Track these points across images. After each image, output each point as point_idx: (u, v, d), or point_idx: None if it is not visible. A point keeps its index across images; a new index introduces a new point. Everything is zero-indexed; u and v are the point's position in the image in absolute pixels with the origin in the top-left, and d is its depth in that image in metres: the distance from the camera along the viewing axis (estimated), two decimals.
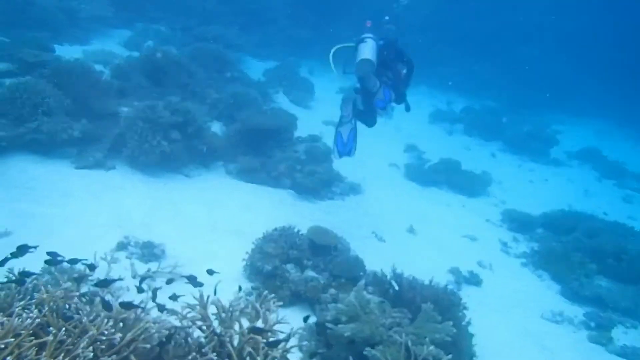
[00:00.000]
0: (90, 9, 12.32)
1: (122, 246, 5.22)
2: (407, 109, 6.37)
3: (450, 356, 3.59)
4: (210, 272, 3.10)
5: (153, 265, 5.04)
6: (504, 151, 13.88)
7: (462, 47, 18.73)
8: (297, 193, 8.16)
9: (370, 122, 6.48)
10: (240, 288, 3.38)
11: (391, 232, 7.67)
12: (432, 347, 3.60)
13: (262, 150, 8.50)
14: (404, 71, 6.20)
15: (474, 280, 6.77)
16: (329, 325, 4.01)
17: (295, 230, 5.82)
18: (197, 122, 7.66)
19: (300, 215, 7.51)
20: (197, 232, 6.09)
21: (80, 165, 6.66)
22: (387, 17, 6.39)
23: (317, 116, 12.29)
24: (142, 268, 4.99)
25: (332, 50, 6.19)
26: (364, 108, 6.35)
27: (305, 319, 3.37)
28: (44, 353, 2.01)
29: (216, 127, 9.39)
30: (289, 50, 17.64)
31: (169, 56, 9.42)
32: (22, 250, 2.69)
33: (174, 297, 2.96)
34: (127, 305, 2.56)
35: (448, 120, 14.96)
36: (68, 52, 10.44)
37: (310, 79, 15.03)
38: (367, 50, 5.71)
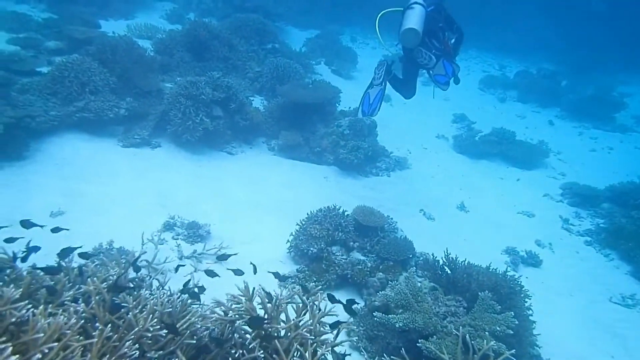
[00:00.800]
0: None
1: (168, 226, 5.23)
2: (457, 81, 5.85)
3: (513, 351, 3.32)
4: (254, 269, 2.95)
5: (199, 247, 5.01)
6: (562, 118, 12.83)
7: (518, 3, 17.24)
8: (340, 169, 7.91)
9: (408, 94, 6.06)
10: (283, 277, 3.22)
11: (441, 209, 7.31)
12: (492, 342, 3.34)
13: (305, 125, 8.26)
14: (452, 40, 5.76)
15: (532, 261, 6.34)
16: (378, 314, 3.83)
17: (340, 210, 5.61)
18: (239, 98, 7.50)
19: (344, 192, 7.30)
20: (240, 210, 6.03)
21: (127, 144, 6.72)
22: None
23: (360, 87, 11.64)
24: (188, 249, 4.99)
25: (378, 17, 5.83)
26: (404, 77, 5.98)
27: (348, 304, 2.81)
28: (89, 355, 1.93)
29: (258, 102, 9.24)
30: (331, 17, 17.02)
31: (210, 30, 9.24)
32: (65, 252, 2.69)
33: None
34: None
35: (500, 86, 13.97)
36: (113, 27, 10.52)
37: (353, 48, 14.45)
38: (414, 18, 5.32)
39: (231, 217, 5.81)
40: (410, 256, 5.24)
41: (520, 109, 12.89)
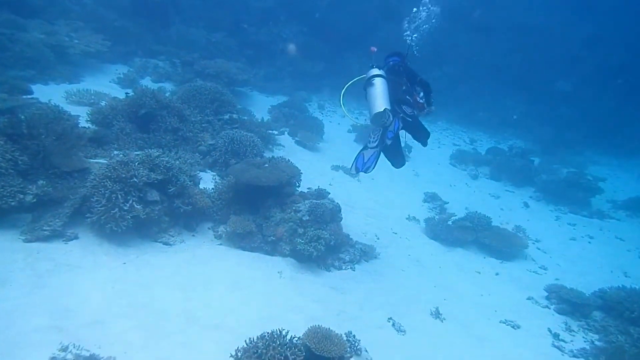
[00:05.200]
0: (83, 45, 11.46)
1: None
2: (424, 144, 6.11)
3: None
4: None
5: None
6: (537, 200, 12.35)
7: (489, 81, 17.46)
8: (298, 261, 6.82)
9: (399, 162, 6.05)
10: None
11: (412, 317, 6.22)
12: None
13: (259, 208, 7.24)
14: (421, 94, 5.79)
15: None
16: None
17: (288, 337, 4.43)
18: (179, 180, 6.44)
19: (300, 294, 6.15)
20: (167, 332, 4.74)
21: (31, 238, 5.42)
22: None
23: (325, 160, 11.05)
24: None
25: (342, 91, 5.89)
26: (392, 143, 5.81)
27: None
28: None
29: (209, 177, 8.22)
30: (299, 83, 16.70)
31: (159, 99, 8.33)
32: None
33: None
34: None
35: (472, 161, 13.57)
36: (51, 92, 9.50)
37: (320, 117, 13.90)
38: (377, 97, 5.38)
39: (153, 342, 4.51)
40: None
41: (493, 188, 12.37)
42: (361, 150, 6.03)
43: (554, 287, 7.56)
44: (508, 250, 8.82)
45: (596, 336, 6.54)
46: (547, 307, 7.27)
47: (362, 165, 5.96)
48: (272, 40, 17.41)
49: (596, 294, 7.28)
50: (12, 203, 5.39)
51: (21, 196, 5.50)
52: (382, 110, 5.26)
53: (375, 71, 5.55)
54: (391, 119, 5.45)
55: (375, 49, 5.80)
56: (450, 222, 9.39)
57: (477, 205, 10.69)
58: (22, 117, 6.30)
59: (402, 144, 6.18)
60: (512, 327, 6.50)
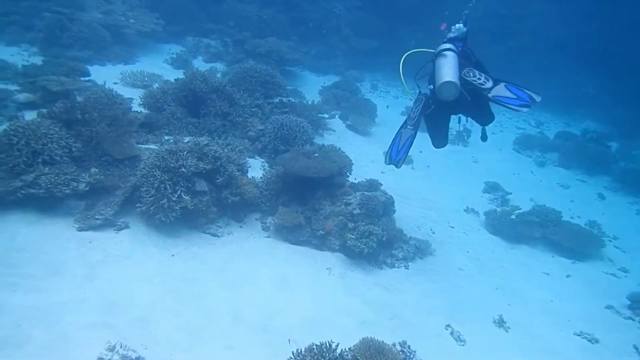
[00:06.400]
0: (138, 24, 11.48)
1: None
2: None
3: None
4: None
5: None
6: (614, 190, 11.11)
7: (559, 56, 15.83)
8: (348, 258, 6.48)
9: (439, 142, 5.45)
10: None
11: (473, 324, 5.71)
12: None
13: (307, 200, 6.92)
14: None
15: None
16: None
17: (338, 351, 4.11)
18: (227, 170, 6.22)
19: (350, 293, 5.83)
20: (213, 329, 4.61)
21: (84, 226, 5.44)
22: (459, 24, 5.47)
23: (377, 145, 10.49)
24: None
25: (402, 59, 5.34)
26: (437, 116, 5.23)
27: None
28: None
29: (258, 164, 7.99)
30: (351, 62, 16.02)
31: (209, 82, 8.12)
32: None
33: None
34: None
35: (538, 147, 12.42)
36: (108, 74, 9.61)
37: (373, 98, 13.23)
38: (450, 68, 4.77)
39: (199, 344, 4.38)
40: None
41: (562, 177, 11.26)
42: (400, 128, 5.47)
43: (638, 294, 6.70)
44: (581, 249, 7.96)
45: None
46: (630, 318, 6.45)
47: (395, 154, 5.42)
48: (325, 16, 16.73)
49: None
50: (67, 191, 5.40)
51: (75, 184, 5.50)
52: (453, 80, 4.70)
53: (448, 45, 5.05)
54: (459, 92, 4.82)
55: (446, 26, 5.32)
56: (513, 216, 8.61)
57: (545, 197, 9.78)
58: (77, 102, 6.32)
59: (461, 128, 5.55)
60: (589, 340, 5.80)
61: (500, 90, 4.85)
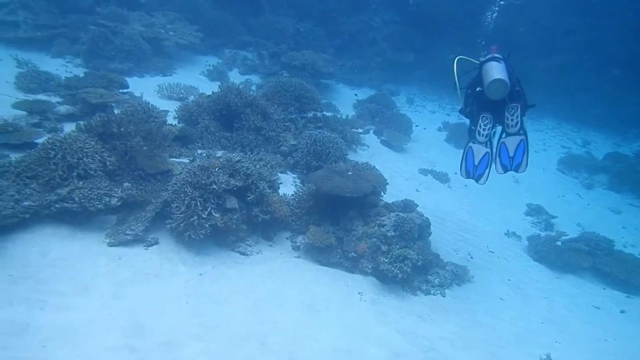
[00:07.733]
0: (177, 37, 11.69)
1: None
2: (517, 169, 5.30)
3: None
4: None
5: None
6: None
7: (609, 72, 15.02)
8: (380, 282, 6.20)
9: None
10: None
11: None
12: None
13: (339, 219, 6.68)
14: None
15: None
16: None
17: None
18: (259, 188, 6.08)
19: (382, 322, 5.52)
20: (237, 356, 4.42)
21: (114, 242, 5.42)
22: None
23: (412, 162, 10.15)
24: None
25: (455, 60, 5.37)
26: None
27: None
28: None
29: (289, 180, 7.84)
30: (387, 75, 15.76)
31: (243, 96, 8.08)
32: None
33: None
34: None
35: (585, 168, 11.69)
36: (146, 86, 9.77)
37: (409, 113, 12.91)
38: (501, 69, 4.82)
39: None
40: None
41: (613, 201, 10.54)
42: (467, 142, 5.28)
43: None
44: (636, 282, 7.32)
45: None
46: None
47: (472, 169, 5.27)
48: (361, 29, 16.60)
49: None
50: (99, 206, 5.39)
51: (107, 199, 5.49)
52: (502, 78, 4.70)
53: (498, 55, 5.07)
54: (508, 90, 4.80)
55: (496, 49, 5.19)
56: (559, 243, 8.06)
57: (593, 222, 9.15)
58: (114, 115, 6.37)
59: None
60: None
61: (511, 141, 5.03)
